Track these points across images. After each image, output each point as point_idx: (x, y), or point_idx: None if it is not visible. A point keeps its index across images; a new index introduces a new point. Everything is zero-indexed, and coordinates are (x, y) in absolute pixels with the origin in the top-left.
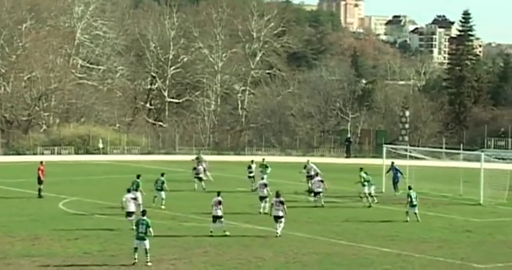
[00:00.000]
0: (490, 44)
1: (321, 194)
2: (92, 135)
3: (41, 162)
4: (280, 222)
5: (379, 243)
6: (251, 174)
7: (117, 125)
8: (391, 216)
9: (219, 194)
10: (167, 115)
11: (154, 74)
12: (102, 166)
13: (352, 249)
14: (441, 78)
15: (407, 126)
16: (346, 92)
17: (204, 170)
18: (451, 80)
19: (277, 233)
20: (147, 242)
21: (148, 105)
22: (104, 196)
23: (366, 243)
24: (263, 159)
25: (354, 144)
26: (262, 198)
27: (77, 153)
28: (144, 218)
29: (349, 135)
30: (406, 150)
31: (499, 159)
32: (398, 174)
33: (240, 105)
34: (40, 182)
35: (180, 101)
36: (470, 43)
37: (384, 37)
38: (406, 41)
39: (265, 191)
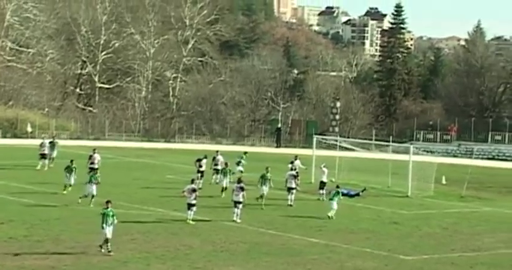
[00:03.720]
0: (421, 37)
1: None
2: (20, 118)
3: None
4: (238, 208)
5: (308, 234)
6: (216, 167)
7: (46, 109)
8: (320, 207)
9: (192, 181)
10: (97, 100)
11: (85, 59)
12: (30, 150)
13: (281, 239)
14: (372, 70)
15: (337, 117)
16: (277, 82)
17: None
18: (382, 72)
19: (236, 220)
20: (110, 230)
21: (78, 90)
22: (31, 181)
23: (295, 233)
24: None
25: (284, 134)
26: (290, 189)
27: (4, 136)
28: (108, 208)
29: (279, 125)
30: (336, 141)
31: (427, 152)
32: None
33: (171, 93)
34: None
35: (111, 86)
36: (401, 36)
37: (316, 28)
38: (338, 32)
39: (293, 182)
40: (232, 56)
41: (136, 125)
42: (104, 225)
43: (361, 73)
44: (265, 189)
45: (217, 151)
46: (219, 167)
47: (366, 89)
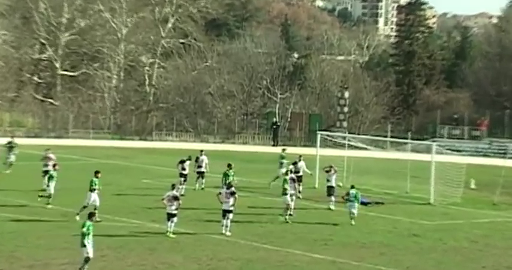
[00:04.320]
0: (445, 14)
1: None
2: None
3: None
4: (228, 218)
5: (311, 249)
6: (200, 170)
7: None
8: (324, 217)
9: (173, 187)
10: (59, 91)
11: (44, 41)
12: None
13: (278, 255)
14: (387, 54)
15: (346, 109)
16: (274, 68)
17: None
18: (399, 56)
19: (225, 232)
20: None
21: (36, 78)
22: None
23: (295, 247)
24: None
25: (283, 130)
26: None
27: None
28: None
29: (276, 119)
30: (344, 138)
31: (453, 150)
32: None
33: (147, 81)
34: None
35: (76, 74)
36: (421, 13)
37: (320, 3)
38: (346, 8)
39: (293, 187)
40: (220, 38)
41: (106, 119)
42: (86, 242)
43: (373, 57)
44: None
45: (201, 150)
46: (203, 170)
47: (379, 76)
